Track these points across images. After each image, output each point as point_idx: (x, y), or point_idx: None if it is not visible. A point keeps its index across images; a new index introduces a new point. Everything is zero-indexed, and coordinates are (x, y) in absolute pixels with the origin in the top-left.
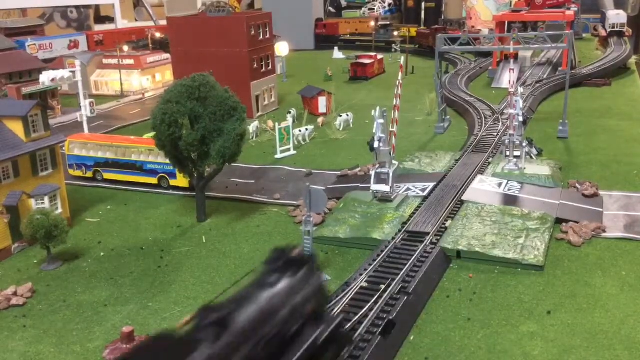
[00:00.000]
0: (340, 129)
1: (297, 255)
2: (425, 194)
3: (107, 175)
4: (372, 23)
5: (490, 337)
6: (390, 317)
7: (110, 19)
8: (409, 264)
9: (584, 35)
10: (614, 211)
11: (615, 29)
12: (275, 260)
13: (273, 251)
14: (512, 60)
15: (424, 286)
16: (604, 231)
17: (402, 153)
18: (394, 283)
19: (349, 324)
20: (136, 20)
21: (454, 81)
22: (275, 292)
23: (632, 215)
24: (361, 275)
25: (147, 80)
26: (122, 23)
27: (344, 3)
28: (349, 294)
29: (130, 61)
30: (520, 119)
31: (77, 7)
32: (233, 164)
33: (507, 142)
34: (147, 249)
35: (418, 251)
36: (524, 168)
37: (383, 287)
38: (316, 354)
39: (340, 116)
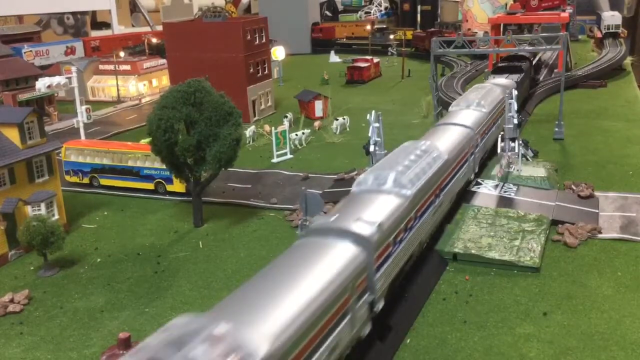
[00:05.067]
0: (337, 133)
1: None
2: None
3: (103, 181)
4: (368, 27)
5: (486, 339)
6: (387, 321)
7: (107, 25)
8: None
9: (579, 36)
10: (610, 212)
11: (611, 30)
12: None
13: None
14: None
15: (420, 289)
16: (600, 232)
17: None
18: None
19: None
20: (133, 26)
21: (450, 84)
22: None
23: (628, 216)
24: None
25: (144, 86)
26: (118, 29)
27: (340, 7)
28: None
29: (127, 67)
30: (515, 121)
31: (73, 14)
32: (229, 169)
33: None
34: (143, 254)
35: None
36: (520, 170)
37: None
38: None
39: (337, 120)
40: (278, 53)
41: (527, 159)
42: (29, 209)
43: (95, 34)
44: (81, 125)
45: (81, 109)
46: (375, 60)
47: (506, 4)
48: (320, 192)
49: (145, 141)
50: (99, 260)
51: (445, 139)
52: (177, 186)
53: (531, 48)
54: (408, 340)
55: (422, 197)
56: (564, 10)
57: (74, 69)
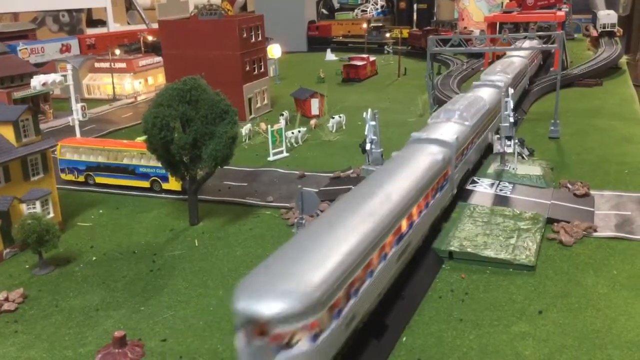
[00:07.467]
0: (333, 131)
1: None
2: None
3: (99, 179)
4: (365, 25)
5: (482, 337)
6: (383, 319)
7: (102, 23)
8: None
9: (575, 35)
10: (605, 210)
11: (606, 29)
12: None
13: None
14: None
15: (416, 287)
16: (595, 230)
17: None
18: None
19: None
20: (128, 24)
21: (446, 82)
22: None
23: (623, 215)
24: None
25: (140, 84)
26: (114, 26)
27: (336, 5)
28: None
29: (123, 65)
30: (511, 119)
31: (69, 11)
32: (225, 167)
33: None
34: (139, 252)
35: None
36: (516, 168)
37: None
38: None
39: (333, 118)
40: (274, 51)
41: (523, 158)
42: (24, 207)
43: (90, 31)
44: (76, 123)
45: (76, 107)
46: (372, 58)
47: (502, 3)
48: (317, 190)
49: (140, 139)
50: (94, 258)
51: None
52: (173, 184)
53: (527, 47)
54: (404, 339)
55: None
56: (560, 9)
57: (69, 66)
